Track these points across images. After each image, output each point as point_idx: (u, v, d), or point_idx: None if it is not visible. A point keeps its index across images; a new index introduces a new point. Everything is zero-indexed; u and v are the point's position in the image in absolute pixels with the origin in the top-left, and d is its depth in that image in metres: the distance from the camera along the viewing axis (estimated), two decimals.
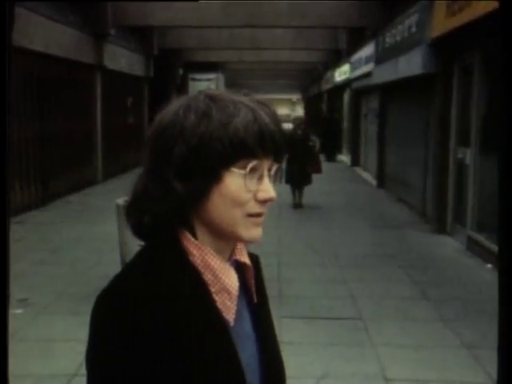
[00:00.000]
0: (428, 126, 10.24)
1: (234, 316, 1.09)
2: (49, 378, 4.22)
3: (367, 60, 15.21)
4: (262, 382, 1.14)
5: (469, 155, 8.30)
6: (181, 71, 23.22)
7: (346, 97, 22.60)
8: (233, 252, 1.15)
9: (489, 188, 7.73)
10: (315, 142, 11.12)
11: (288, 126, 14.64)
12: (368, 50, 15.07)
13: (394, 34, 11.79)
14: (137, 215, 1.09)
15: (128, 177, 15.98)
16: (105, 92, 15.13)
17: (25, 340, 4.80)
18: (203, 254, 1.08)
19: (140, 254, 1.10)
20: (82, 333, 4.78)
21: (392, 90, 13.28)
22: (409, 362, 4.51)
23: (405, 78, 10.55)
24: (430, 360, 4.53)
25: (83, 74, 13.87)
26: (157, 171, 1.06)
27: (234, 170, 1.04)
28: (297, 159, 10.27)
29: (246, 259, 1.19)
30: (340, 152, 23.14)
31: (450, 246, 8.36)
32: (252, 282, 1.18)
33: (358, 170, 18.70)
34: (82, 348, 4.33)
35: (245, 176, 1.05)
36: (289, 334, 4.73)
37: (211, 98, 1.08)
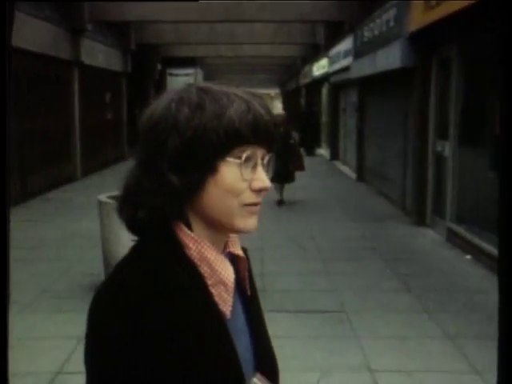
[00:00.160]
0: (407, 120, 10.31)
1: (230, 308, 1.09)
2: (32, 376, 4.19)
3: (345, 54, 15.26)
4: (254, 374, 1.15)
5: (447, 148, 8.38)
6: (159, 66, 23.10)
7: (325, 91, 22.66)
8: (226, 244, 1.16)
9: (468, 180, 7.83)
10: (296, 139, 11.13)
11: None
12: (346, 45, 15.12)
13: (372, 28, 11.84)
14: (130, 210, 1.08)
15: (107, 173, 15.94)
16: (82, 88, 15.00)
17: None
18: (199, 246, 1.08)
19: (136, 249, 1.09)
20: (66, 330, 4.74)
21: (370, 84, 13.35)
22: (392, 352, 4.56)
23: (383, 72, 10.61)
24: (414, 350, 4.59)
25: (60, 70, 13.74)
26: (150, 165, 1.06)
27: (230, 159, 1.05)
28: (279, 157, 10.29)
29: (239, 251, 1.19)
30: (319, 146, 23.21)
31: (430, 238, 8.45)
32: (246, 274, 1.19)
33: (338, 163, 18.78)
34: (65, 345, 4.29)
35: (240, 165, 1.05)
36: (273, 328, 4.70)
37: (203, 90, 1.08)
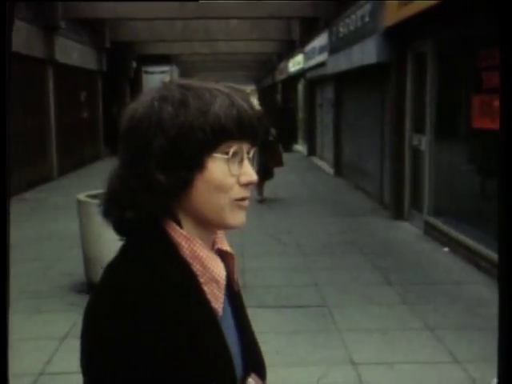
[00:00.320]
0: (383, 114, 10.39)
1: (222, 305, 1.09)
2: (15, 378, 4.14)
3: (321, 50, 15.30)
4: (244, 369, 1.15)
5: (424, 142, 8.46)
6: (134, 64, 22.94)
7: (301, 87, 22.71)
8: (214, 241, 1.16)
9: (444, 173, 7.91)
10: (274, 135, 11.14)
11: None
12: (322, 40, 15.16)
13: (347, 24, 11.89)
14: (117, 211, 1.07)
15: (84, 172, 15.81)
16: (57, 87, 14.84)
17: None
18: (191, 244, 1.07)
19: (127, 250, 1.08)
20: (47, 331, 4.70)
21: (347, 80, 13.41)
22: (375, 345, 4.60)
23: (359, 68, 10.67)
24: (395, 342, 4.63)
25: (34, 69, 13.57)
26: (136, 165, 1.05)
27: (217, 155, 1.05)
28: (258, 154, 10.28)
29: (227, 247, 1.20)
30: (296, 142, 23.26)
31: (408, 232, 8.52)
32: (234, 270, 1.19)
33: (315, 159, 18.85)
34: (47, 346, 4.25)
35: (228, 161, 1.05)
36: (255, 324, 4.72)
37: (184, 86, 1.07)
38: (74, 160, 16.33)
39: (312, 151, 19.64)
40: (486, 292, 5.61)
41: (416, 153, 8.90)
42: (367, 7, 10.08)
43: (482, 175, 6.99)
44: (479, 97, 6.60)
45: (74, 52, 16.24)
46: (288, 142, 22.06)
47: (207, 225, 1.10)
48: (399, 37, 8.81)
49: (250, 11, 15.39)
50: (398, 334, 4.81)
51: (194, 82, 1.09)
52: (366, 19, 10.15)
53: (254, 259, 6.96)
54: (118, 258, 1.07)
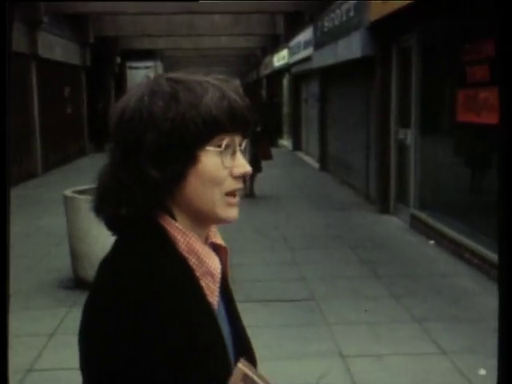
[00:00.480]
0: (369, 109, 10.42)
1: (217, 299, 1.10)
2: None
3: (306, 45, 15.31)
4: (236, 361, 1.16)
5: (409, 136, 8.51)
6: (118, 59, 22.79)
7: (286, 82, 22.70)
8: (207, 235, 1.17)
9: (429, 167, 7.97)
10: (261, 128, 11.14)
11: None
12: (307, 35, 15.16)
13: (332, 18, 11.90)
14: (110, 208, 1.06)
15: (69, 168, 15.71)
16: (41, 82, 14.72)
17: None
18: (187, 238, 1.07)
19: (122, 246, 1.07)
20: (35, 327, 4.69)
21: (332, 74, 13.43)
22: (362, 338, 4.63)
23: (344, 62, 10.69)
24: (383, 335, 4.67)
25: (17, 64, 13.44)
26: (128, 161, 1.04)
27: (210, 148, 1.05)
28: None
29: (221, 241, 1.20)
30: (281, 137, 23.27)
31: (394, 225, 8.58)
32: (227, 263, 1.20)
33: (300, 154, 18.87)
34: (35, 343, 4.23)
35: (221, 153, 1.06)
36: (244, 318, 4.75)
37: (174, 80, 1.07)
38: (59, 156, 16.22)
39: (297, 146, 19.67)
40: (471, 283, 5.68)
41: (401, 147, 8.95)
42: (352, 2, 10.09)
43: (467, 169, 7.05)
44: (464, 91, 6.65)
45: (57, 47, 16.11)
46: (273, 136, 22.07)
47: (201, 219, 1.10)
48: (384, 31, 8.84)
49: (234, 6, 15.35)
50: (386, 326, 4.85)
51: (183, 75, 1.09)
52: (351, 14, 10.16)
53: (241, 254, 6.97)
54: (113, 255, 1.06)
